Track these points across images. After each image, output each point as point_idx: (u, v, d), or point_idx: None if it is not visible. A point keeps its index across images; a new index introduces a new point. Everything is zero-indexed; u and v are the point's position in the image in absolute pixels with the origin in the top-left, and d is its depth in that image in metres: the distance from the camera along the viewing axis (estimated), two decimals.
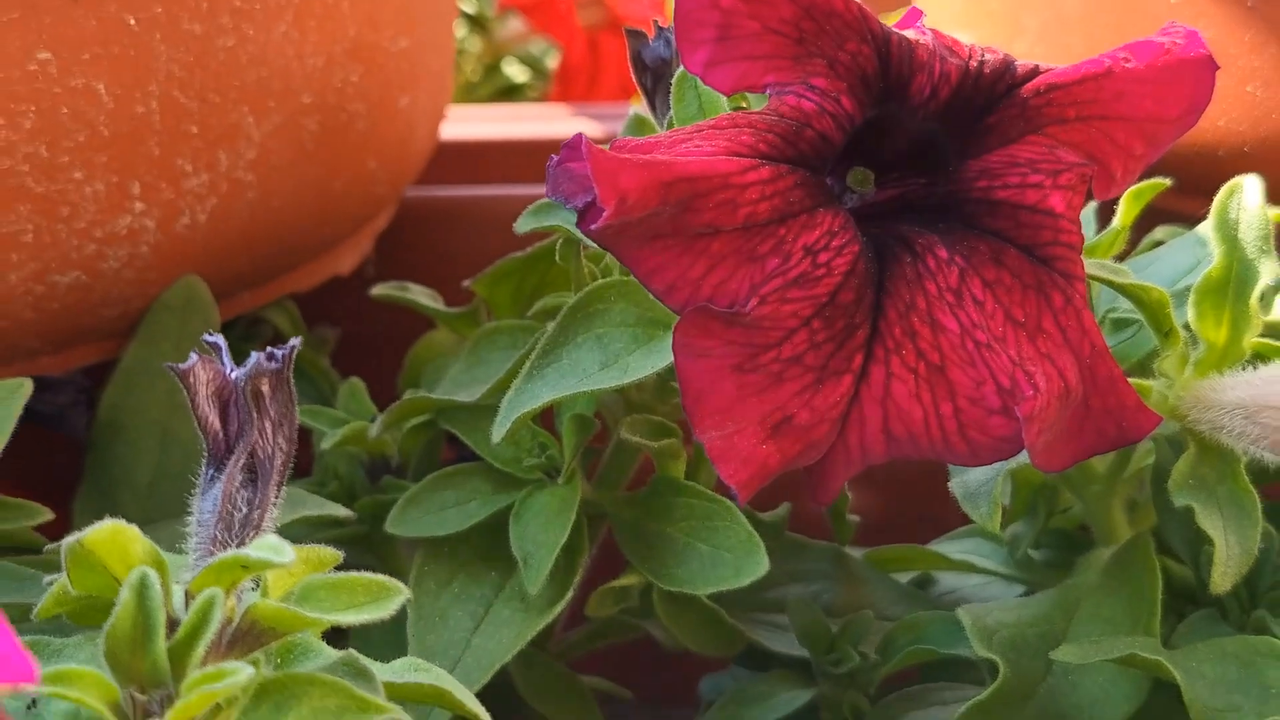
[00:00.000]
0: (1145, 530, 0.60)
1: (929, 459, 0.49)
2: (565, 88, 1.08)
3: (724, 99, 0.53)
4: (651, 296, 0.47)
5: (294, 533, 0.48)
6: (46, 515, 0.55)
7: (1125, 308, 0.58)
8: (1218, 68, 0.51)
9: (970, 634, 0.56)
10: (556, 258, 0.59)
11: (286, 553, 0.38)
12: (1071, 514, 0.66)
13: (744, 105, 0.54)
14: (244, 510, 0.42)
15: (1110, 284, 0.55)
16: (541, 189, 0.46)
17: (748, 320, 0.46)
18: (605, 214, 0.44)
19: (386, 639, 0.56)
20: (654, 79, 0.60)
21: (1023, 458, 0.50)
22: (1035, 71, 0.51)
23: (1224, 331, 0.56)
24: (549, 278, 0.64)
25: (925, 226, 0.50)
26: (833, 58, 0.48)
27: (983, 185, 0.50)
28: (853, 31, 0.48)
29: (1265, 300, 0.64)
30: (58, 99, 0.57)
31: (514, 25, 1.15)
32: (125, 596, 0.38)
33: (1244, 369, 0.55)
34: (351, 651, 0.43)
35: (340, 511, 0.56)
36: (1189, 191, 0.64)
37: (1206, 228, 0.57)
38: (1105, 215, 0.62)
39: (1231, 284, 0.56)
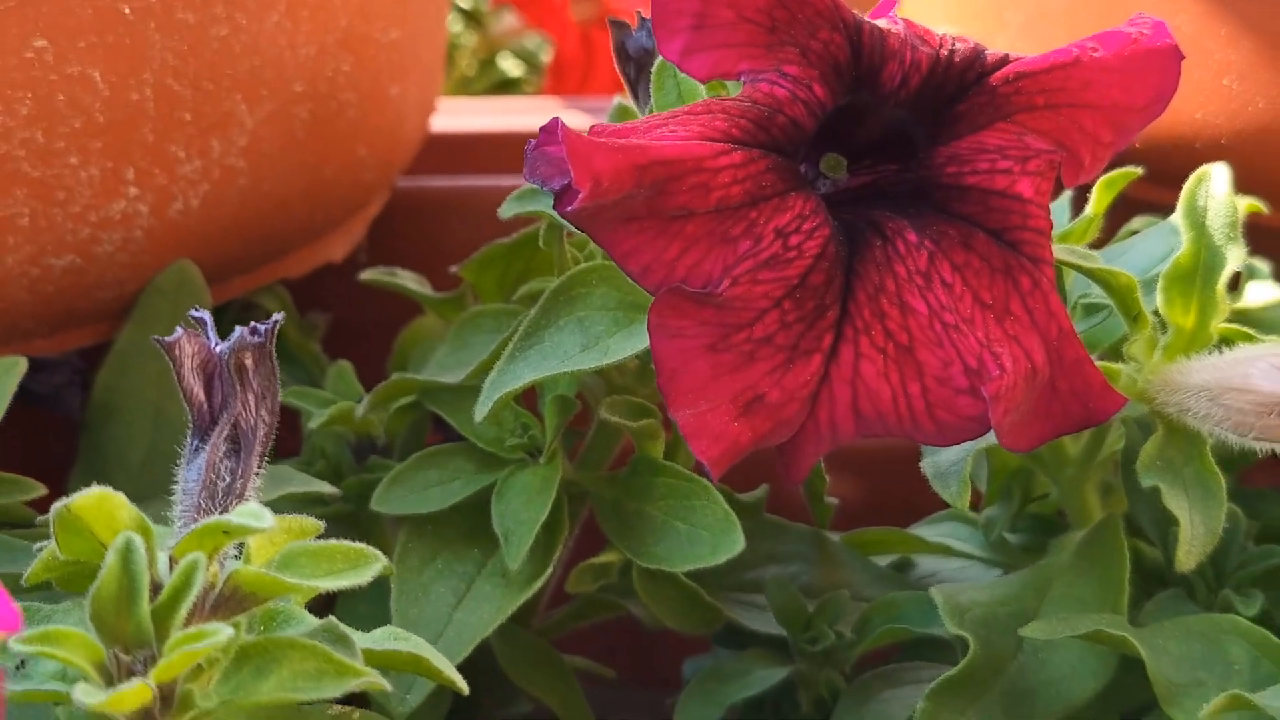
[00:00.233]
0: (1116, 512, 0.61)
1: (899, 438, 0.50)
2: (559, 82, 1.09)
3: (702, 87, 0.54)
4: (632, 281, 0.48)
5: (281, 510, 0.49)
6: (39, 490, 0.57)
7: (1097, 293, 0.59)
8: (1183, 57, 0.53)
9: (942, 612, 0.57)
10: (540, 243, 0.60)
11: (266, 518, 0.40)
12: (1050, 500, 0.68)
13: (723, 93, 0.56)
14: (227, 479, 0.43)
15: (1079, 268, 0.56)
16: None
17: (720, 301, 0.47)
18: (580, 196, 0.45)
19: (372, 616, 0.57)
20: (637, 69, 0.61)
21: (994, 439, 0.51)
22: (1005, 60, 0.52)
23: (1192, 317, 0.57)
24: (534, 263, 0.65)
25: (897, 211, 0.51)
26: (805, 46, 0.49)
27: (953, 171, 0.52)
28: (825, 20, 0.49)
29: (1239, 289, 0.65)
30: (54, 86, 0.58)
31: (508, 20, 1.17)
32: (110, 560, 0.40)
33: (1211, 353, 0.56)
34: (331, 619, 0.44)
35: (325, 488, 0.58)
36: (1167, 183, 0.65)
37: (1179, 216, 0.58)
38: (1081, 204, 0.63)
39: (1200, 270, 0.57)
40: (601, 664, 0.70)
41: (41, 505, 0.59)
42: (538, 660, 0.62)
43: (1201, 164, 0.60)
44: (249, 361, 0.43)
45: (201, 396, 0.43)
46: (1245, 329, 0.56)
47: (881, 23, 0.51)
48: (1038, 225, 0.51)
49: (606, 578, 0.60)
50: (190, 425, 0.44)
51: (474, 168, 0.89)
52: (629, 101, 0.63)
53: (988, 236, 0.51)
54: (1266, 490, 0.67)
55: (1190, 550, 0.53)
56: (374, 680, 0.42)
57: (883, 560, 0.69)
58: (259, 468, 0.44)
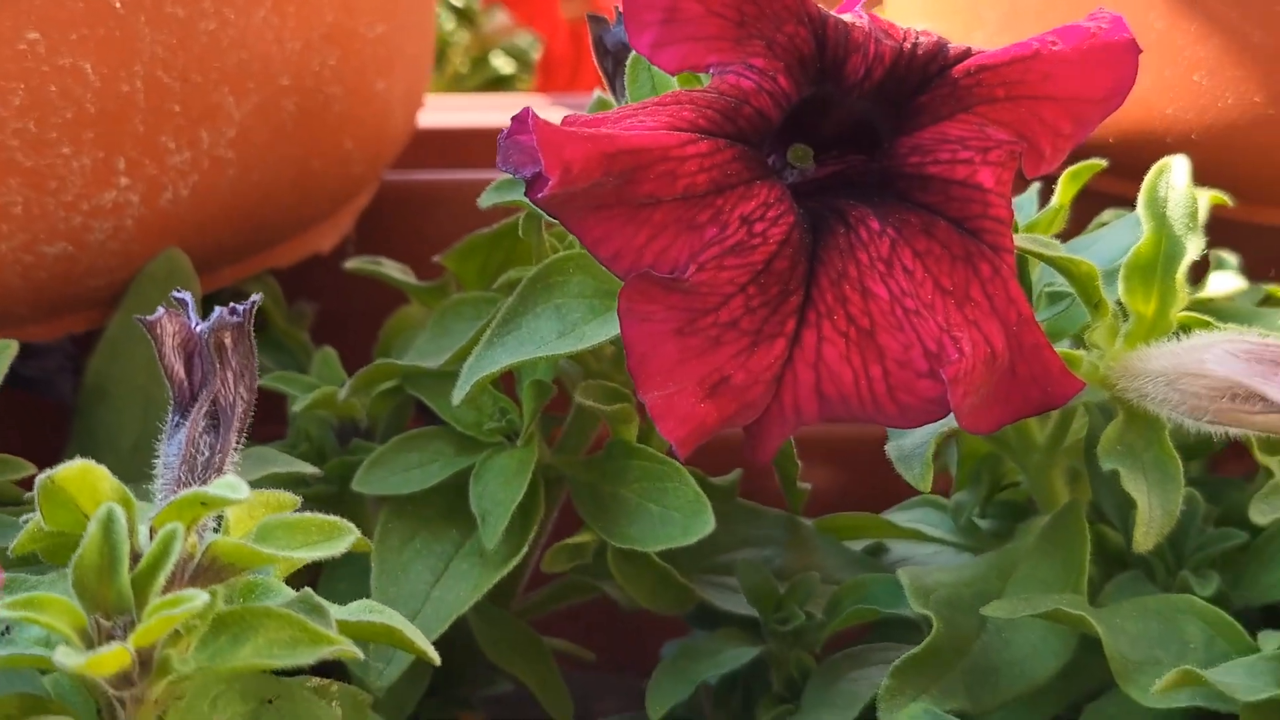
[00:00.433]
0: (1081, 498, 0.62)
1: (863, 421, 0.52)
2: (549, 79, 1.11)
3: (675, 79, 0.56)
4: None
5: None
6: (28, 469, 0.58)
7: (1062, 282, 0.61)
8: (1140, 51, 0.54)
9: (908, 592, 0.58)
10: (520, 233, 0.62)
11: (242, 490, 0.41)
12: (1022, 488, 0.69)
13: (696, 85, 0.57)
14: (206, 454, 0.45)
15: (1041, 257, 0.57)
16: None
17: (687, 286, 0.49)
18: (551, 183, 0.47)
19: (353, 594, 0.58)
20: (614, 63, 0.63)
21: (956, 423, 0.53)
22: (967, 53, 0.54)
23: (1152, 305, 0.58)
24: (515, 253, 0.67)
25: (861, 200, 0.53)
26: (771, 39, 0.51)
27: (915, 161, 0.53)
28: (791, 14, 0.51)
29: (1202, 281, 0.66)
30: (46, 77, 0.60)
31: (500, 19, 1.19)
32: (92, 529, 0.41)
33: (1170, 340, 0.57)
34: (308, 590, 0.46)
35: (307, 468, 0.59)
36: (1138, 177, 0.67)
37: None
38: (1049, 196, 0.65)
39: (1160, 260, 0.58)
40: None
41: (31, 485, 0.61)
42: (516, 641, 0.64)
43: None
44: (228, 340, 0.45)
45: (182, 374, 0.45)
46: (1204, 317, 0.58)
47: (846, 17, 0.52)
48: (998, 214, 0.53)
49: (581, 558, 0.62)
50: (170, 401, 0.46)
51: (465, 162, 0.91)
52: (608, 95, 0.65)
53: (949, 224, 0.52)
54: (1231, 479, 0.69)
55: (1148, 531, 0.55)
56: (347, 649, 0.43)
57: (856, 545, 0.70)
58: (237, 443, 0.46)
